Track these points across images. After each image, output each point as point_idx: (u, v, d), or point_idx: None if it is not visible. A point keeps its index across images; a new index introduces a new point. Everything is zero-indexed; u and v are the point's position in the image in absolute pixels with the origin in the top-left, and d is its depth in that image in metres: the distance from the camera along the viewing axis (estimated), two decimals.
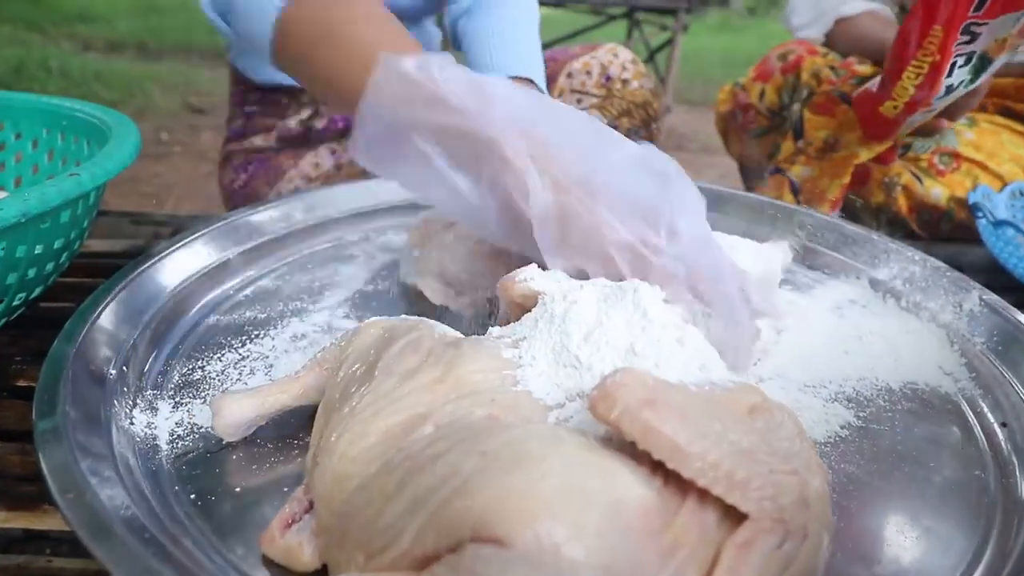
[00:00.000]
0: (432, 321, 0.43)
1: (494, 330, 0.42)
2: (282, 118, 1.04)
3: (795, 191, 0.94)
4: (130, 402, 0.46)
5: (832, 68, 0.96)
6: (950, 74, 0.78)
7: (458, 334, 0.42)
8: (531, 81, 0.75)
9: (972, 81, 0.80)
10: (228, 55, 1.09)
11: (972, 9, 0.72)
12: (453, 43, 0.90)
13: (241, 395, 0.42)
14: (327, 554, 0.33)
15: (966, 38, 0.75)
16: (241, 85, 1.08)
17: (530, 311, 0.42)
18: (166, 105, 2.99)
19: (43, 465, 0.35)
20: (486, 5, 0.83)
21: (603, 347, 0.38)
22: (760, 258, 0.57)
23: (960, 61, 0.78)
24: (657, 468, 0.29)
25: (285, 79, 0.96)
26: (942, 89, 0.79)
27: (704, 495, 0.28)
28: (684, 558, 0.28)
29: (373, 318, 0.45)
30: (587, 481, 0.28)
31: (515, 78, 0.69)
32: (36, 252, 0.53)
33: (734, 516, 0.29)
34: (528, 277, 0.44)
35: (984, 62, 0.79)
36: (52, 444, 0.37)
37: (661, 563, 0.27)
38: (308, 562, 0.33)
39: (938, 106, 0.83)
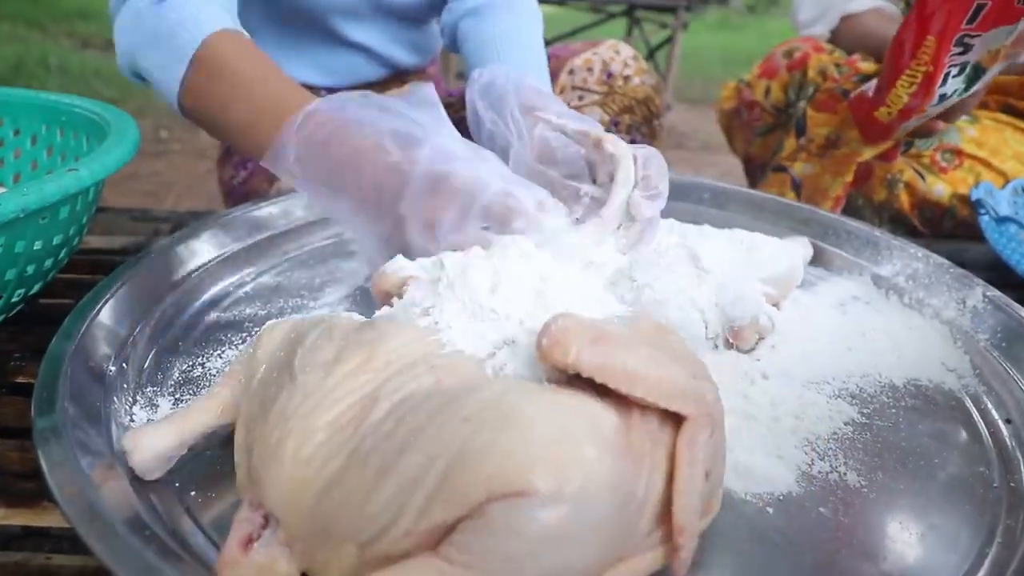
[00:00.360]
0: (334, 313, 0.43)
1: (397, 305, 0.43)
2: None
3: (797, 188, 0.94)
4: (130, 399, 0.46)
5: (837, 65, 0.96)
6: (944, 84, 0.79)
7: (363, 317, 0.41)
8: None
9: (966, 90, 0.81)
10: None
11: (965, 22, 0.73)
12: (450, 44, 0.90)
13: (156, 426, 0.39)
14: (307, 559, 0.32)
15: (959, 49, 0.76)
16: None
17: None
18: (165, 102, 2.99)
19: (43, 462, 0.35)
20: (492, 7, 0.83)
21: (512, 296, 0.40)
22: (784, 255, 0.57)
23: (954, 71, 0.78)
24: (601, 393, 0.33)
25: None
26: (935, 98, 0.80)
27: (643, 408, 0.33)
28: (649, 463, 0.33)
29: (272, 321, 0.43)
30: (571, 419, 0.31)
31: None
32: (35, 248, 0.52)
33: (669, 419, 0.34)
34: (399, 267, 0.46)
35: (978, 72, 0.80)
36: (51, 441, 0.36)
37: (637, 471, 0.32)
38: (287, 573, 0.33)
39: (932, 113, 0.84)
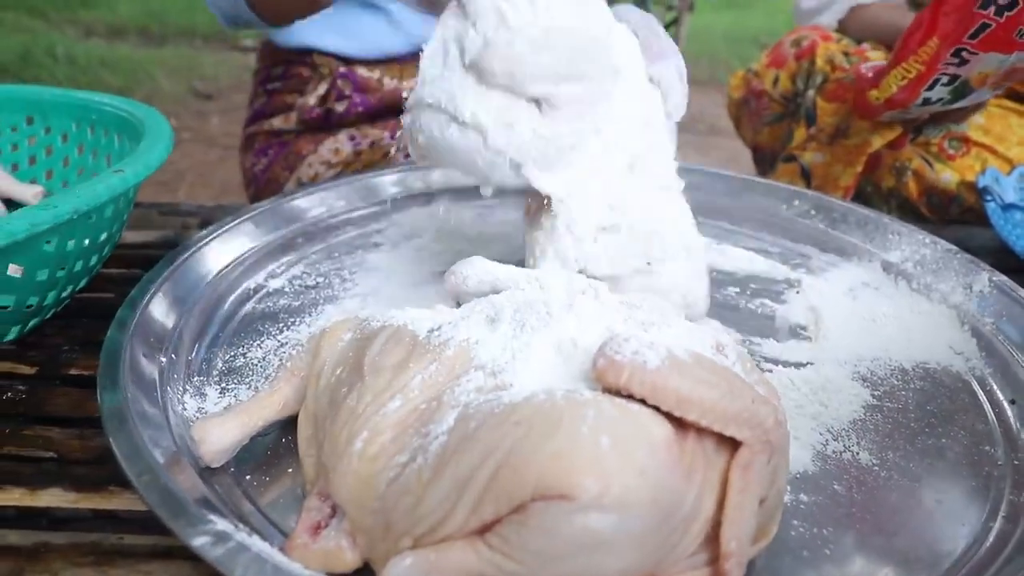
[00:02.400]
0: (397, 311, 0.43)
1: (464, 308, 0.44)
2: (302, 94, 1.06)
3: (807, 178, 0.96)
4: (180, 388, 0.49)
5: (846, 54, 0.97)
6: (931, 88, 0.82)
7: (431, 315, 0.43)
8: None
9: (951, 102, 0.85)
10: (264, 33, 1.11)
11: (968, 35, 0.75)
12: None
13: (223, 418, 0.42)
14: (369, 549, 0.35)
15: (956, 60, 0.78)
16: (267, 60, 1.09)
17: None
18: (172, 91, 3.00)
19: (116, 450, 0.37)
20: None
21: (584, 319, 0.41)
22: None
23: (944, 79, 0.81)
24: (656, 408, 0.33)
25: (308, 39, 1.03)
26: (920, 98, 0.83)
27: (701, 427, 0.33)
28: (700, 481, 0.33)
29: (335, 320, 0.45)
30: (620, 428, 0.32)
31: None
32: (84, 245, 0.55)
33: (726, 442, 0.34)
34: (475, 271, 0.49)
35: (966, 88, 0.83)
36: (120, 430, 0.39)
37: (686, 487, 0.32)
38: (352, 561, 0.35)
39: (914, 113, 0.86)
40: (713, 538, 0.33)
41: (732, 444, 0.34)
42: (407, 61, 1.05)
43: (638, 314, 0.41)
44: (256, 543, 0.33)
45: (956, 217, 0.90)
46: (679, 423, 0.33)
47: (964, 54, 0.77)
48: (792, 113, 1.02)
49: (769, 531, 0.38)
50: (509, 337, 0.38)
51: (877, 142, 0.90)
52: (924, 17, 0.79)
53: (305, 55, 1.06)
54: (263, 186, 1.07)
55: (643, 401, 0.33)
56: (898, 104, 0.84)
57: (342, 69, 1.04)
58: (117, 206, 0.57)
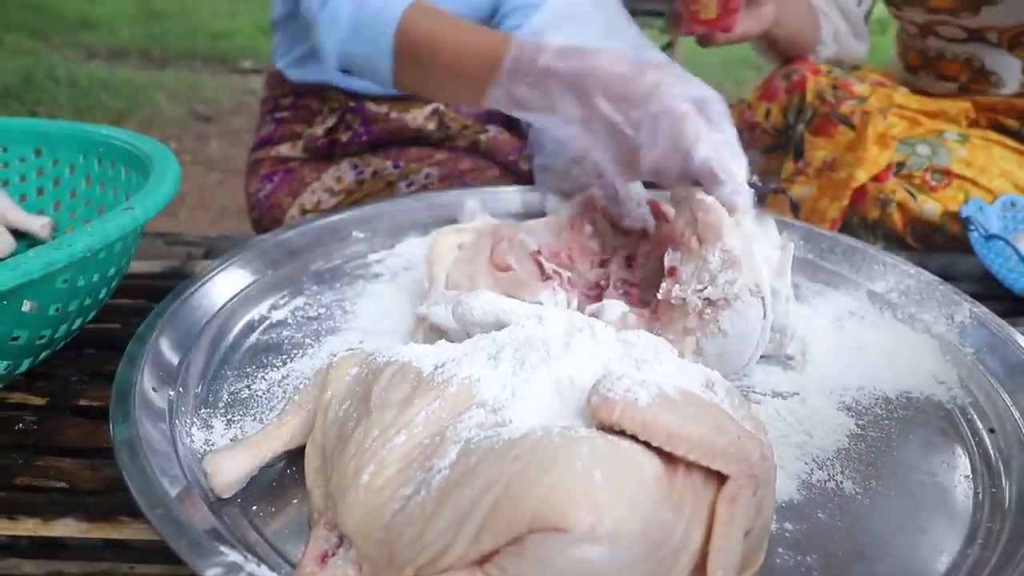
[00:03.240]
0: (402, 347, 0.45)
1: (467, 343, 0.45)
2: (310, 125, 1.08)
3: (795, 210, 0.98)
4: (188, 420, 0.51)
5: (833, 88, 1.00)
6: None
7: (435, 351, 0.44)
8: None
9: None
10: (271, 59, 1.12)
11: None
12: None
13: (234, 451, 0.43)
14: None
15: None
16: (276, 90, 1.11)
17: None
18: (173, 114, 3.03)
19: (129, 484, 0.39)
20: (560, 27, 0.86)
21: (581, 355, 0.42)
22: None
23: None
24: (647, 444, 0.35)
25: (323, 76, 1.04)
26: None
27: (690, 462, 0.35)
28: (689, 514, 0.35)
29: (342, 354, 0.47)
30: (613, 463, 0.33)
31: None
32: (94, 280, 0.57)
33: (713, 475, 0.36)
34: (480, 304, 0.51)
35: None
36: (133, 463, 0.41)
37: (676, 520, 0.34)
38: None
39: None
40: (702, 569, 0.35)
41: (719, 478, 0.36)
42: (412, 98, 1.08)
43: (633, 351, 0.43)
44: (266, 573, 0.34)
45: (941, 247, 0.92)
46: (669, 458, 0.35)
47: None
48: (784, 145, 1.05)
49: (755, 560, 0.40)
50: (509, 374, 0.40)
51: (862, 176, 0.92)
52: None
53: (316, 88, 1.08)
54: (266, 211, 1.09)
55: (635, 437, 0.35)
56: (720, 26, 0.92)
57: (352, 104, 1.06)
58: (126, 242, 0.59)
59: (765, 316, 0.54)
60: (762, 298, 0.54)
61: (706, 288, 0.54)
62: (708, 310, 0.54)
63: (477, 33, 0.67)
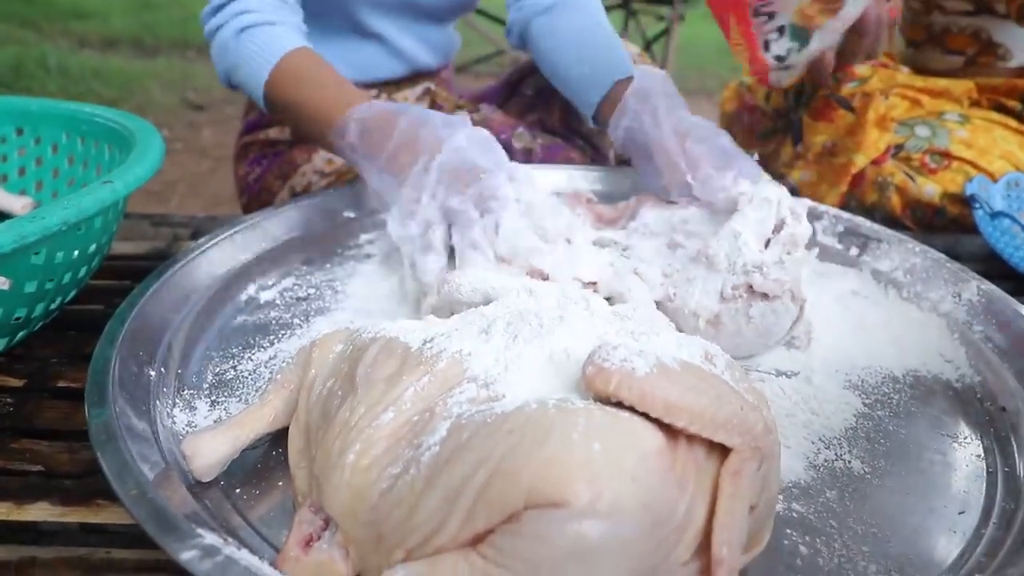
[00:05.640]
0: (389, 323, 0.43)
1: (455, 319, 0.44)
2: None
3: (795, 195, 0.96)
4: (170, 402, 0.49)
5: (833, 72, 0.98)
6: (768, 49, 0.83)
7: (423, 327, 0.43)
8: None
9: (805, 45, 0.83)
10: None
11: None
12: (519, 42, 0.91)
13: (213, 432, 0.41)
14: (362, 562, 0.35)
15: (763, 16, 0.80)
16: None
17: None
18: (165, 102, 3.00)
19: (104, 466, 0.37)
20: (564, 6, 0.84)
21: (574, 324, 0.41)
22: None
23: (773, 36, 0.82)
24: (646, 415, 0.33)
25: None
26: (772, 61, 0.84)
27: (691, 435, 0.33)
28: (692, 489, 0.33)
29: (325, 332, 0.45)
30: (611, 434, 0.31)
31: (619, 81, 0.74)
32: (72, 257, 0.55)
33: (716, 449, 0.34)
34: (468, 280, 0.50)
35: (800, 30, 0.82)
36: (108, 444, 0.39)
37: (679, 494, 0.32)
38: (344, 574, 0.35)
39: (796, 69, 0.86)
40: (706, 547, 0.33)
41: (722, 452, 0.34)
42: (404, 82, 1.06)
43: (629, 324, 0.41)
44: (245, 556, 0.32)
45: (940, 229, 0.90)
46: (670, 431, 0.33)
47: (762, 9, 0.79)
48: (784, 129, 1.03)
49: (761, 539, 0.38)
50: (501, 348, 0.38)
51: (861, 161, 0.91)
52: (714, 8, 0.82)
53: None
54: (256, 195, 1.06)
55: (633, 409, 0.33)
56: (759, 74, 0.86)
57: None
58: (106, 218, 0.57)
59: (795, 322, 0.56)
60: (800, 306, 0.55)
61: (753, 273, 0.54)
62: (745, 294, 0.54)
63: (323, 99, 0.71)
